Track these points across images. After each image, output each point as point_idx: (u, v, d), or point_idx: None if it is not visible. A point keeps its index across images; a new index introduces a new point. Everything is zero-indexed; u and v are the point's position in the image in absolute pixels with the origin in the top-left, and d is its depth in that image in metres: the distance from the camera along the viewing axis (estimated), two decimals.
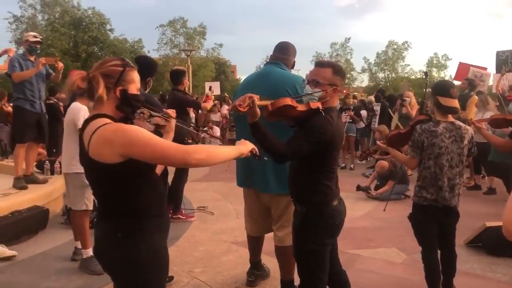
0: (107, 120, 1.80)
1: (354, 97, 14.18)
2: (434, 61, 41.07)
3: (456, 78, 11.19)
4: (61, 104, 8.55)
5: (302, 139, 2.35)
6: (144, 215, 1.87)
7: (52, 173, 6.22)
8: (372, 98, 12.04)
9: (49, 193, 5.57)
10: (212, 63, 35.70)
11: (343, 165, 9.97)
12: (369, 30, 75.43)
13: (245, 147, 2.01)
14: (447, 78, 33.30)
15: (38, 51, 5.80)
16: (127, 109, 1.91)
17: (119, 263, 1.85)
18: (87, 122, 1.85)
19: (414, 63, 77.50)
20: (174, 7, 69.54)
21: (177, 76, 5.75)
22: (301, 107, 2.38)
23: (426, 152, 3.17)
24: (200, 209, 6.20)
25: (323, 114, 2.39)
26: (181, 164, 1.75)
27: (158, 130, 2.46)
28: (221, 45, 37.44)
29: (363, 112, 11.07)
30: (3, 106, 9.72)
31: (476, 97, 7.99)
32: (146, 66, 4.34)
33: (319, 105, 2.41)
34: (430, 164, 3.17)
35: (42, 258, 4.33)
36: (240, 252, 4.40)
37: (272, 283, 3.74)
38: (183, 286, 3.70)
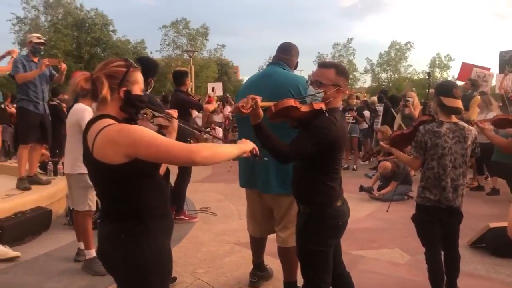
0: (111, 121, 1.80)
1: (357, 97, 14.17)
2: (437, 62, 41.02)
3: (459, 78, 11.19)
4: (64, 105, 8.57)
5: (305, 140, 2.35)
6: (148, 216, 1.86)
7: (55, 174, 6.24)
8: (374, 98, 12.04)
9: (52, 194, 5.59)
10: (214, 64, 35.73)
11: (346, 165, 9.95)
12: (371, 31, 75.42)
13: (247, 145, 2.03)
14: (450, 78, 33.22)
15: (42, 52, 5.82)
16: (131, 110, 1.92)
17: (123, 264, 1.85)
18: (90, 123, 1.85)
19: (417, 64, 77.55)
20: (177, 8, 69.83)
21: (179, 77, 5.77)
22: (304, 108, 2.37)
23: (430, 153, 3.16)
24: (203, 210, 6.21)
25: (327, 114, 2.39)
26: (186, 162, 1.75)
27: (161, 131, 2.46)
28: (223, 46, 37.58)
29: (366, 113, 11.06)
30: (7, 107, 9.74)
31: (479, 97, 7.97)
32: (147, 66, 4.35)
33: (322, 105, 2.40)
34: (434, 164, 3.16)
35: (45, 259, 4.34)
36: (243, 253, 4.40)
37: (275, 284, 3.73)
38: (186, 287, 3.71)
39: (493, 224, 4.48)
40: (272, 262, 3.84)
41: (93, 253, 3.90)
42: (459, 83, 9.88)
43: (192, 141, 6.05)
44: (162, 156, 1.74)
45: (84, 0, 40.54)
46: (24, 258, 4.27)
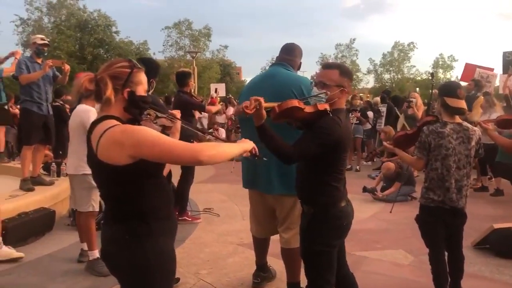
0: (115, 122, 1.80)
1: (360, 98, 14.15)
2: (440, 62, 40.88)
3: (462, 79, 11.15)
4: (67, 106, 8.59)
5: (309, 141, 2.34)
6: (152, 217, 1.86)
7: (59, 175, 6.25)
8: (378, 99, 12.02)
9: (55, 195, 5.60)
10: (217, 65, 35.74)
11: (349, 166, 9.92)
12: (374, 31, 75.43)
13: (247, 144, 2.04)
14: (453, 79, 33.08)
15: (45, 54, 5.84)
16: (135, 111, 1.92)
17: (126, 265, 1.85)
18: (94, 124, 1.85)
19: (420, 64, 77.14)
20: (179, 9, 69.94)
21: (182, 78, 5.77)
22: (308, 109, 2.37)
23: (433, 153, 3.15)
24: (206, 211, 6.21)
25: (331, 115, 2.39)
26: (190, 162, 1.75)
27: (164, 131, 2.46)
28: (226, 47, 37.55)
29: (369, 113, 11.05)
30: (10, 108, 9.77)
31: (482, 98, 7.95)
32: (148, 67, 4.34)
33: (326, 106, 2.40)
34: (437, 165, 3.15)
35: (48, 259, 4.35)
36: (246, 254, 4.40)
37: (278, 285, 3.73)
38: None
39: (497, 225, 4.47)
40: (276, 263, 3.83)
41: (96, 254, 3.91)
42: (463, 83, 9.84)
43: (194, 142, 6.05)
44: (166, 156, 1.74)
45: (87, 1, 40.86)
46: (28, 259, 4.28)
